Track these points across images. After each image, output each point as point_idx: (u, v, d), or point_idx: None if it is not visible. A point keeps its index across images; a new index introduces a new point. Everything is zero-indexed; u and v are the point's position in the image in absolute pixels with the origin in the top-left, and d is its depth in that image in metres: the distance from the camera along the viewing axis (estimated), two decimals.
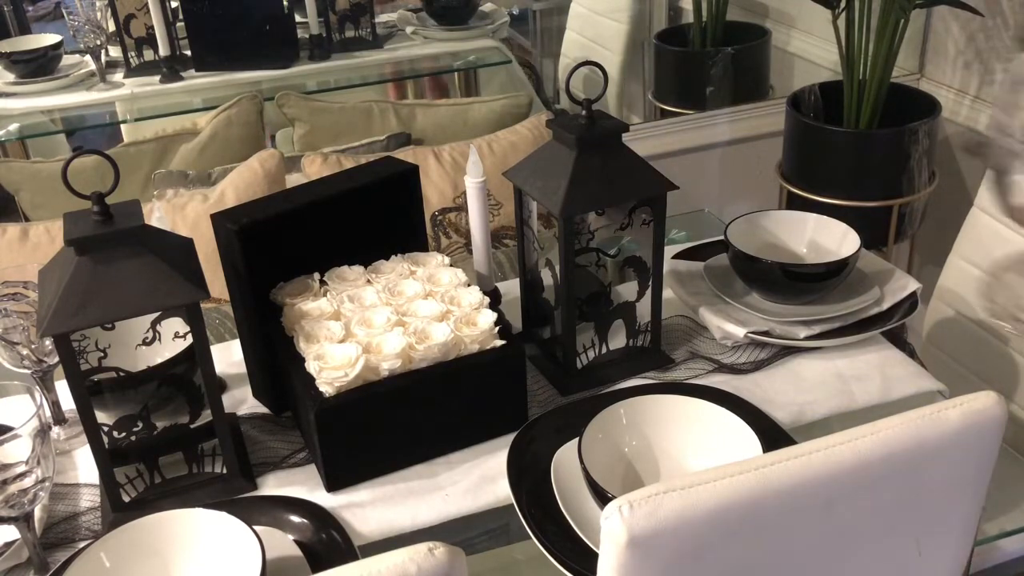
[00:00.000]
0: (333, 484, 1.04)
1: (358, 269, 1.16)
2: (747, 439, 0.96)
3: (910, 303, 1.26)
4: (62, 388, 1.14)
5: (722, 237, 1.31)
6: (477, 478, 1.05)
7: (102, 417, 0.99)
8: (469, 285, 1.13)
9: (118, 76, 2.50)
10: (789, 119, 2.37)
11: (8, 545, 0.97)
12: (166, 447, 1.04)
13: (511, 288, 1.34)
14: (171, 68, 2.46)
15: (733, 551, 0.76)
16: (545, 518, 0.96)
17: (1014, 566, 1.17)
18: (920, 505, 0.83)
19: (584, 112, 1.12)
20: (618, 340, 1.22)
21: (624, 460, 1.01)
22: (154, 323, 1.00)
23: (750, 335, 1.21)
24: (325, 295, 1.12)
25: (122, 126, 2.50)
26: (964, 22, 2.37)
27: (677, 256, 1.40)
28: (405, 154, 1.93)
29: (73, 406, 0.96)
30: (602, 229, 1.22)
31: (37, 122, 2.50)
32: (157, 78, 2.46)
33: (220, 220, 1.08)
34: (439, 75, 2.87)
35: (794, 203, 2.35)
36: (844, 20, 2.22)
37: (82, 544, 0.93)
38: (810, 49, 2.73)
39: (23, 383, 0.92)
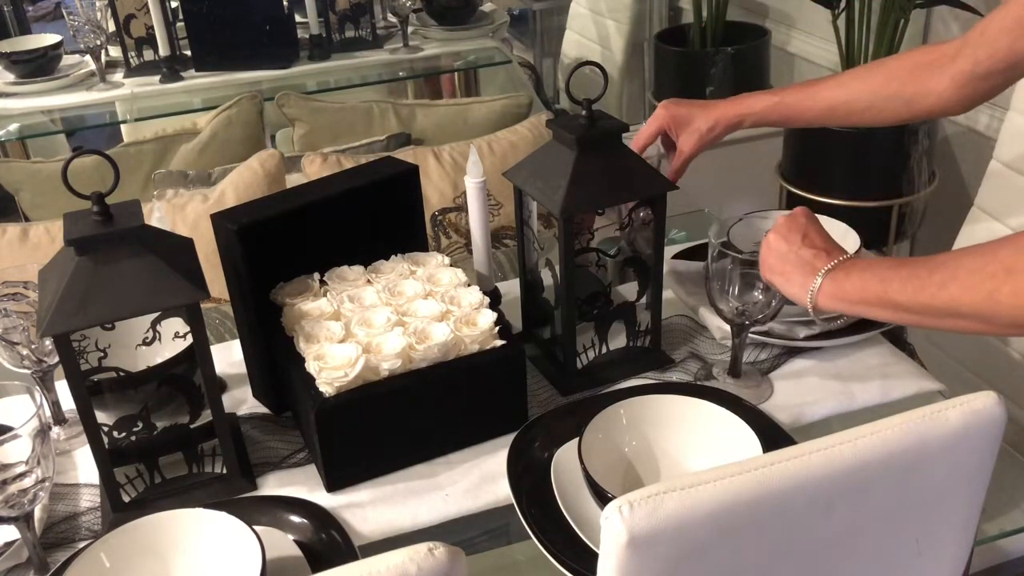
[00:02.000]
0: (333, 484, 1.04)
1: (358, 269, 1.16)
2: (747, 439, 0.96)
3: None
4: (62, 388, 1.14)
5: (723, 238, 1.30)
6: (477, 478, 1.05)
7: (102, 417, 0.99)
8: (469, 285, 1.13)
9: (118, 76, 2.50)
10: None
11: (8, 545, 0.97)
12: (166, 447, 1.04)
13: (511, 288, 1.34)
14: (171, 68, 2.46)
15: (733, 551, 0.76)
16: (545, 518, 0.96)
17: (1014, 566, 1.17)
18: (920, 505, 0.83)
19: (584, 112, 1.12)
20: (618, 340, 1.22)
21: (624, 460, 1.01)
22: (154, 323, 1.00)
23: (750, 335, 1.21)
24: (325, 295, 1.12)
25: (122, 126, 2.50)
26: (964, 22, 2.37)
27: (677, 256, 1.40)
28: (405, 154, 1.93)
29: (73, 406, 0.96)
30: (602, 229, 1.22)
31: (37, 122, 2.50)
32: (157, 78, 2.46)
33: (220, 220, 1.08)
34: (439, 75, 2.87)
35: (794, 203, 2.35)
36: (844, 20, 2.22)
37: (82, 544, 0.93)
38: (810, 49, 2.73)
39: (23, 383, 0.92)
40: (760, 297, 1.08)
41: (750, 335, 1.21)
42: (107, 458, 0.98)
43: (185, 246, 1.01)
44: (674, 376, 1.20)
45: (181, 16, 2.48)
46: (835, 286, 0.95)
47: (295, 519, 0.99)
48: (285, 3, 2.52)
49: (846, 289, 0.94)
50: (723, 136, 1.30)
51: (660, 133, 1.31)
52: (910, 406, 0.79)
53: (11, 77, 2.48)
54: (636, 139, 1.32)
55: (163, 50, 2.44)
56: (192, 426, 1.04)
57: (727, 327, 1.22)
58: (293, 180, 1.94)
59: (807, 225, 1.01)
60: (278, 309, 1.12)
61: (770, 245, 1.02)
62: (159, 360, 1.02)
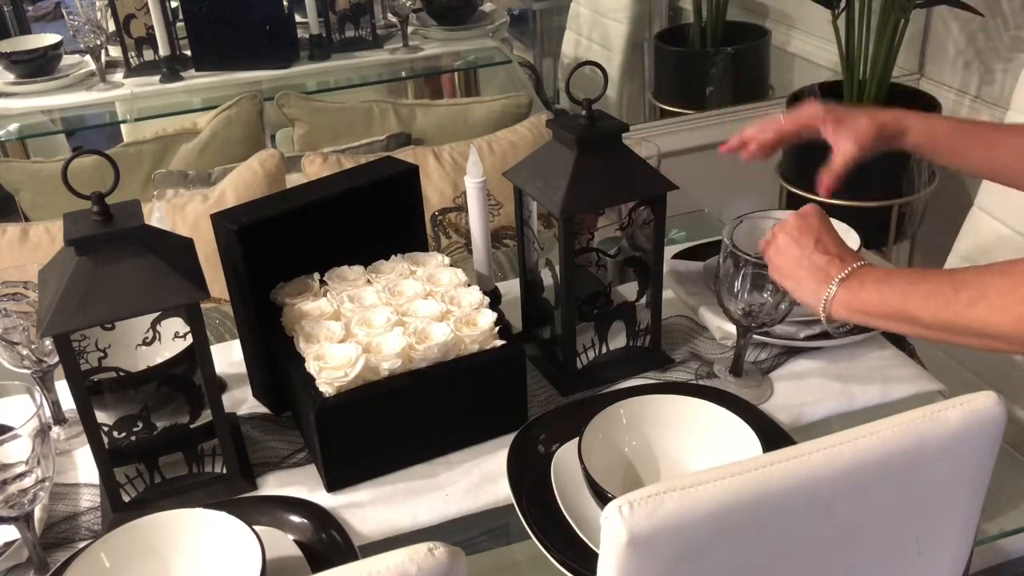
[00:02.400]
0: (333, 484, 1.04)
1: (358, 269, 1.16)
2: (747, 439, 0.96)
3: None
4: (62, 388, 1.14)
5: (722, 237, 1.30)
6: (477, 478, 1.05)
7: (102, 417, 0.99)
8: (469, 285, 1.13)
9: (118, 76, 2.50)
10: None
11: (8, 545, 0.97)
12: (166, 447, 1.04)
13: (511, 288, 1.34)
14: (171, 68, 2.46)
15: (733, 551, 0.76)
16: (545, 518, 0.96)
17: (1014, 566, 1.17)
18: (920, 505, 0.83)
19: (584, 112, 1.12)
20: (618, 340, 1.22)
21: (624, 460, 1.01)
22: (154, 323, 1.00)
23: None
24: (325, 295, 1.12)
25: (122, 126, 2.50)
26: (964, 22, 2.37)
27: (677, 256, 1.40)
28: (405, 154, 1.93)
29: (73, 406, 0.96)
30: (602, 229, 1.22)
31: (37, 122, 2.50)
32: (157, 78, 2.46)
33: (220, 220, 1.08)
34: (439, 75, 2.87)
35: (794, 203, 2.35)
36: (844, 20, 2.22)
37: (82, 544, 0.93)
38: (810, 49, 2.73)
39: (23, 383, 0.92)
40: (769, 299, 1.08)
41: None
42: (107, 458, 0.98)
43: (185, 246, 1.01)
44: (674, 376, 1.20)
45: (181, 16, 2.47)
46: (850, 295, 0.92)
47: (295, 519, 0.99)
48: (285, 3, 2.52)
49: (862, 299, 0.92)
50: (883, 146, 1.16)
51: (806, 128, 1.19)
52: (910, 406, 0.79)
53: (11, 77, 2.48)
54: (785, 120, 1.18)
55: (163, 50, 2.43)
56: (192, 426, 1.04)
57: (727, 327, 1.22)
58: (293, 180, 1.94)
59: (820, 228, 0.98)
60: (278, 309, 1.12)
61: (779, 247, 0.99)
62: (159, 360, 1.02)
